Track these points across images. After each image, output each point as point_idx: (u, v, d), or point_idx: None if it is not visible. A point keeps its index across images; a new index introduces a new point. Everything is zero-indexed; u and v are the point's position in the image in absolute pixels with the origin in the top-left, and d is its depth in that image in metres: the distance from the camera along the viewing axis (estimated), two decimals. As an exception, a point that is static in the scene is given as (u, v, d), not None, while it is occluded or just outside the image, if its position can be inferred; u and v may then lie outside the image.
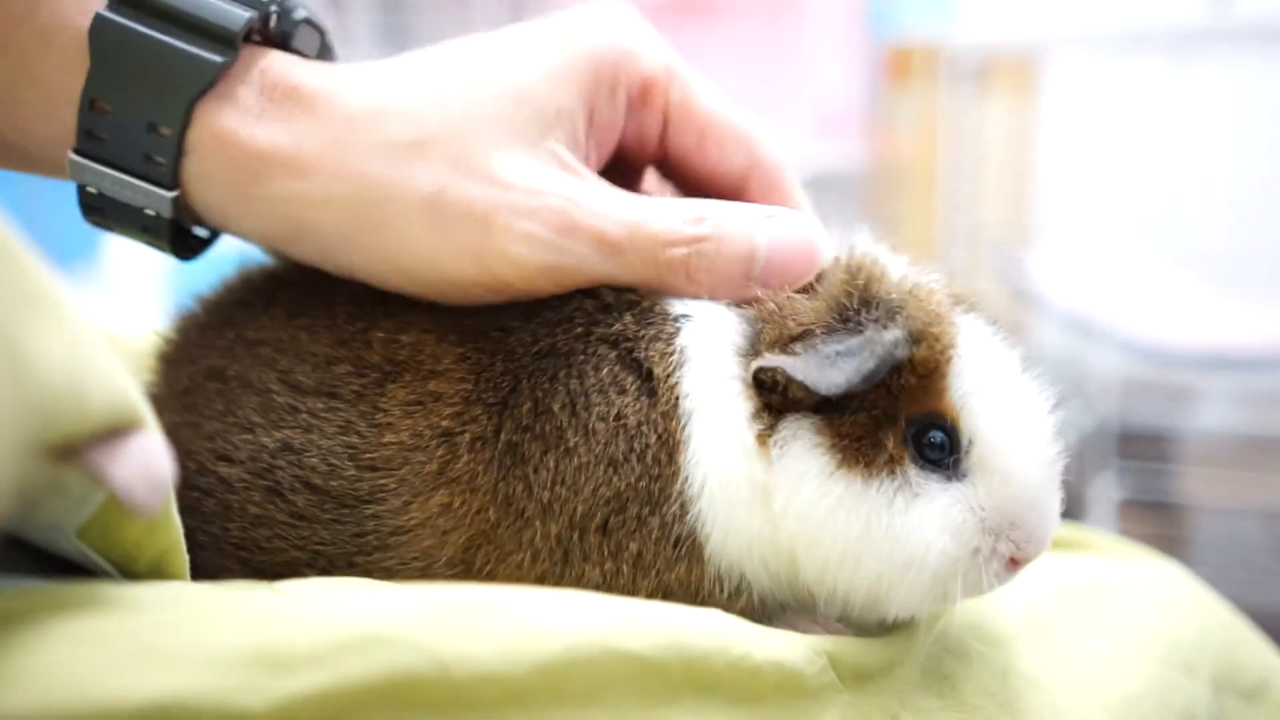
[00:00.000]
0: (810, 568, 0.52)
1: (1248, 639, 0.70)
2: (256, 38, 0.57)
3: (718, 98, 0.60)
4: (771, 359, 0.51)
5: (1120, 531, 1.90)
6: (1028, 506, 0.52)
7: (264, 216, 0.55)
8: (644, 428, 0.52)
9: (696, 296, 0.54)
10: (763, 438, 0.52)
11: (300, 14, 0.59)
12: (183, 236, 0.59)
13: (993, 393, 0.52)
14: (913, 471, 0.51)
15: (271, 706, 0.36)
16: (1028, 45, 2.35)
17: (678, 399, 0.52)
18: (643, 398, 0.52)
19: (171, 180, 0.55)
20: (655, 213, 0.54)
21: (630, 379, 0.53)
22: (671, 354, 0.53)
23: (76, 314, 0.37)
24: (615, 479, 0.52)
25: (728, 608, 0.51)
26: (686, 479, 0.52)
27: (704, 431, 0.52)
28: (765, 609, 0.54)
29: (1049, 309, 2.15)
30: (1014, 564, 0.52)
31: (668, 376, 0.52)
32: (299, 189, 0.54)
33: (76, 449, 0.37)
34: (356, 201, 0.53)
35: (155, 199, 0.55)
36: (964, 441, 0.52)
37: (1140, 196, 2.14)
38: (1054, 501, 0.53)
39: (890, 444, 0.51)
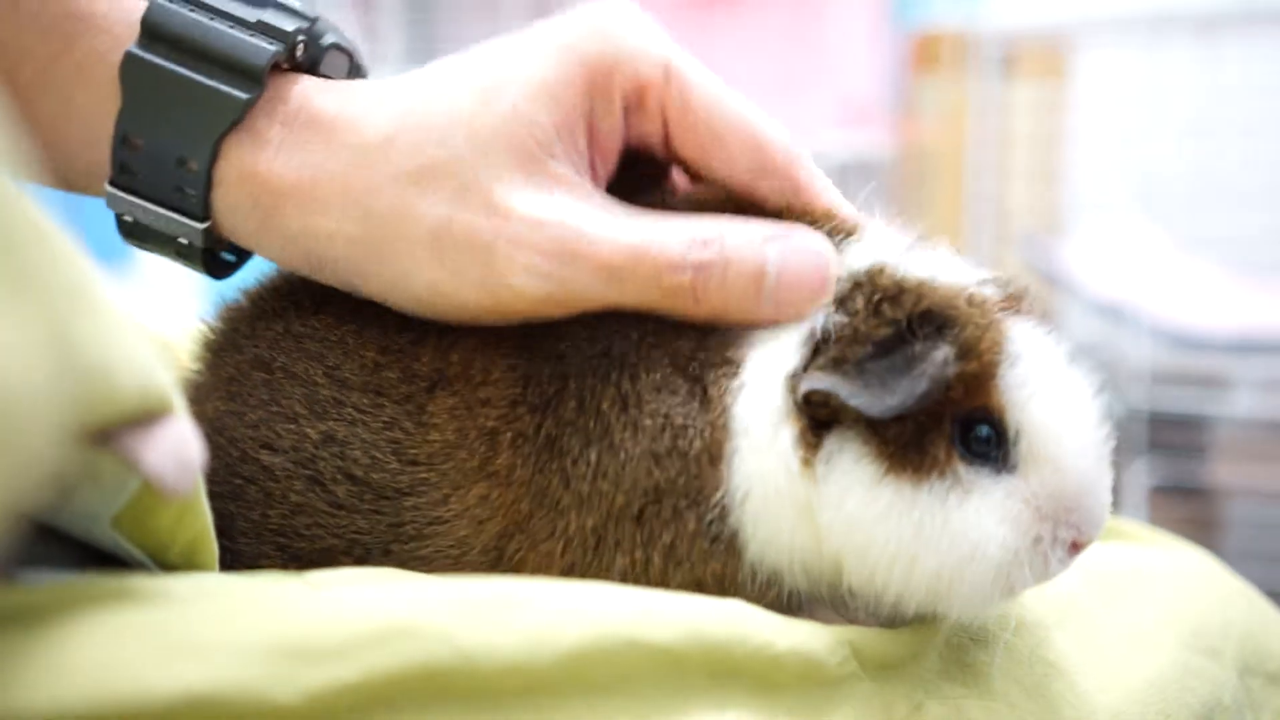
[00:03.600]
0: (858, 574, 0.52)
1: (1274, 623, 0.69)
2: (285, 66, 0.57)
3: (722, 96, 0.57)
4: (822, 380, 0.51)
5: (1151, 518, 1.89)
6: (1082, 491, 0.52)
7: (285, 250, 0.57)
8: (689, 430, 0.52)
9: (705, 320, 0.53)
10: (809, 459, 0.52)
11: (328, 39, 0.59)
12: (217, 258, 0.60)
13: (1038, 384, 0.52)
14: (961, 468, 0.51)
15: (302, 697, 0.36)
16: (1055, 30, 2.34)
17: (728, 414, 0.52)
18: (693, 402, 0.53)
19: (202, 212, 0.56)
20: (658, 236, 0.53)
21: (682, 383, 0.53)
22: (729, 373, 0.53)
23: (110, 300, 0.39)
24: (656, 471, 0.52)
25: (755, 599, 0.51)
26: (727, 489, 0.52)
27: (750, 450, 0.52)
28: (792, 601, 0.54)
29: (1078, 296, 2.14)
30: (1075, 547, 0.52)
31: (722, 393, 0.53)
32: (311, 224, 0.55)
33: (109, 434, 0.38)
34: (363, 236, 0.54)
35: (187, 230, 0.57)
36: (1011, 434, 0.52)
37: (1170, 181, 2.13)
38: (1106, 482, 0.53)
39: (938, 445, 0.51)
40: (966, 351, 0.51)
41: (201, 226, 0.56)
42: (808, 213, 0.56)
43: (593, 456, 0.53)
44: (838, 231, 0.55)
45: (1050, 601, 0.59)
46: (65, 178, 0.60)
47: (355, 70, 0.62)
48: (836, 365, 0.51)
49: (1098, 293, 2.11)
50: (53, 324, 0.34)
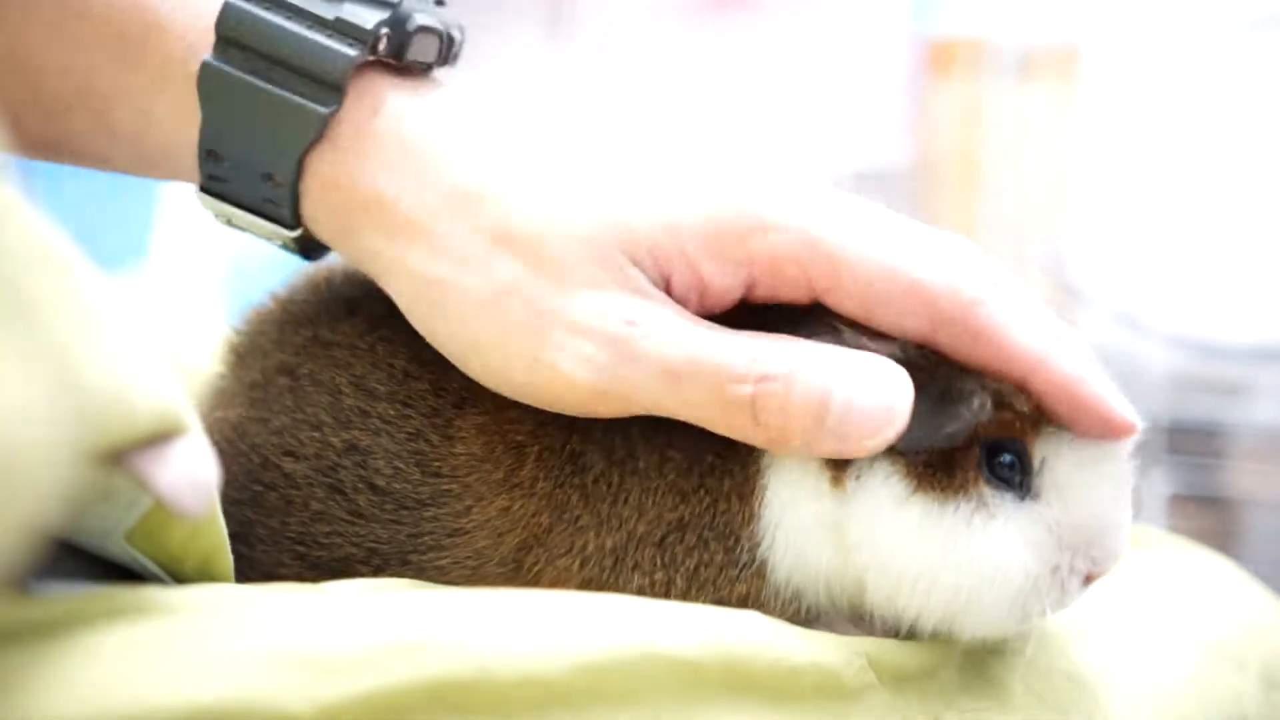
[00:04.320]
0: (879, 593, 0.52)
1: (1298, 634, 0.69)
2: (370, 58, 0.54)
3: (878, 254, 0.50)
4: None
5: (1171, 527, 1.88)
6: (1103, 524, 0.52)
7: (354, 261, 0.56)
8: (717, 468, 0.52)
9: (764, 445, 0.50)
10: (838, 477, 0.52)
11: (415, 23, 0.55)
12: (314, 248, 0.59)
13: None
14: (987, 492, 0.51)
15: (319, 710, 0.36)
16: (1070, 36, 2.33)
17: (758, 450, 0.52)
18: (720, 438, 0.52)
19: (293, 221, 0.55)
20: (724, 344, 0.49)
21: None
22: None
23: (123, 319, 0.38)
24: (681, 507, 0.52)
25: (776, 614, 0.51)
26: (758, 521, 0.52)
27: (780, 479, 0.52)
28: (810, 614, 0.54)
29: (1095, 304, 2.13)
30: (1089, 579, 0.52)
31: None
32: (379, 245, 0.53)
33: (123, 455, 0.38)
34: (423, 273, 0.52)
35: (280, 236, 0.56)
36: (1036, 462, 0.52)
37: (1187, 188, 2.12)
38: (1127, 516, 0.53)
39: (966, 468, 0.51)
40: (1001, 401, 0.51)
41: (293, 235, 0.56)
42: None
43: (615, 478, 0.52)
44: None
45: (1070, 613, 0.59)
46: (157, 178, 0.60)
47: (448, 49, 0.58)
48: None
49: (1114, 300, 2.10)
50: (55, 353, 0.33)
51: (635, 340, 0.49)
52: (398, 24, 0.55)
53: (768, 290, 0.52)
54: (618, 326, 0.50)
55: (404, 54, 0.56)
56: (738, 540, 0.52)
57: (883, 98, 2.60)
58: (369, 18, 0.54)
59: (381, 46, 0.55)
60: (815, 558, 0.52)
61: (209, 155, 0.55)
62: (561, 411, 0.52)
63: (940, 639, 0.52)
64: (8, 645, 0.35)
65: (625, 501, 0.52)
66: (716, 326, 0.51)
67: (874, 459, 0.51)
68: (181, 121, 0.55)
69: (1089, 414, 0.51)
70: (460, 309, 0.52)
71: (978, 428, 0.51)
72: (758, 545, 0.52)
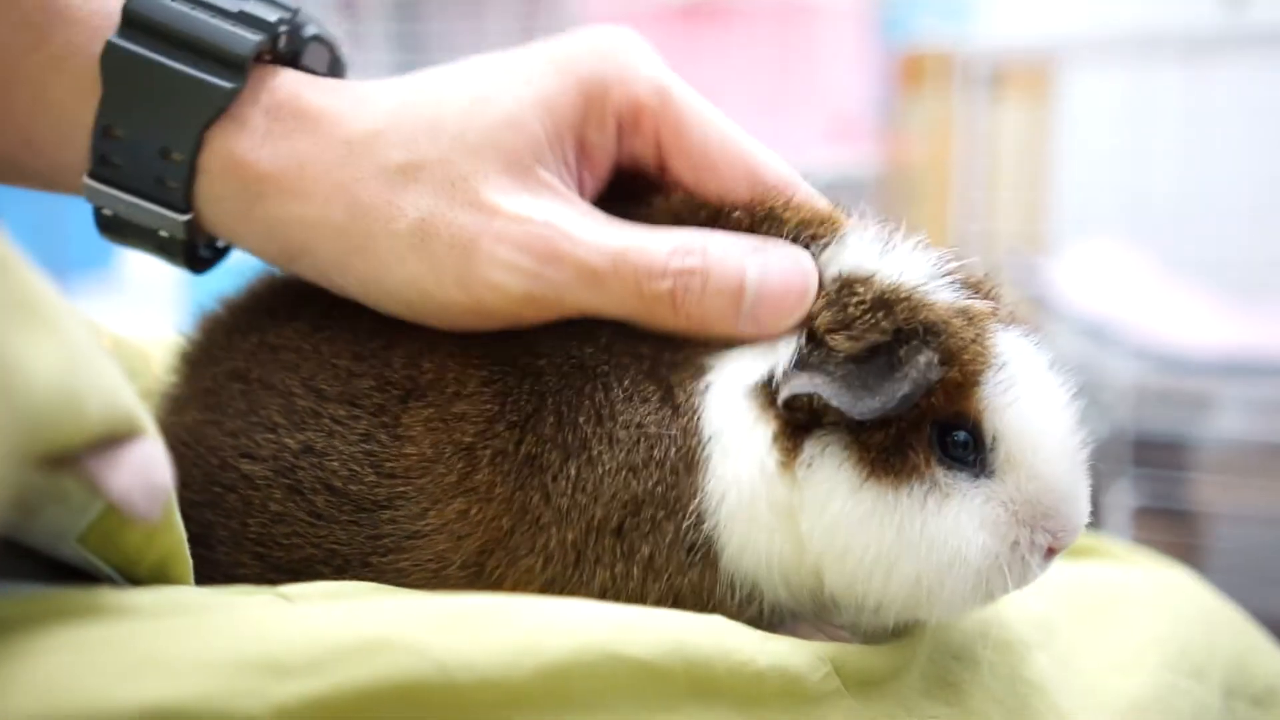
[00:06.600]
0: (838, 581, 0.52)
1: (1258, 645, 0.69)
2: (267, 57, 0.57)
3: (715, 120, 0.57)
4: (804, 383, 0.51)
5: (1135, 539, 1.89)
6: (1059, 496, 0.52)
7: (264, 236, 0.56)
8: (664, 438, 0.52)
9: (684, 331, 0.53)
10: (787, 461, 0.52)
11: (309, 31, 0.59)
12: (197, 251, 0.59)
13: (1015, 390, 0.52)
14: (940, 473, 0.51)
15: (273, 712, 0.36)
16: (1042, 50, 2.35)
17: (698, 419, 0.52)
18: (665, 408, 0.52)
19: (184, 204, 0.56)
20: (641, 242, 0.53)
21: (652, 389, 0.53)
22: (694, 375, 0.53)
23: (71, 322, 0.37)
24: (634, 483, 0.52)
25: (736, 615, 0.51)
26: (703, 496, 0.52)
27: (723, 454, 0.52)
28: (773, 617, 0.54)
29: (1064, 315, 2.14)
30: (1050, 552, 0.52)
31: (689, 397, 0.53)
32: (296, 211, 0.55)
33: (74, 458, 0.38)
34: (347, 226, 0.54)
35: (168, 222, 0.56)
36: (988, 439, 0.52)
37: (1156, 202, 2.13)
38: (1083, 488, 0.53)
39: (917, 450, 0.51)
40: (950, 358, 0.51)
41: (183, 219, 0.56)
42: (797, 210, 0.56)
43: (572, 471, 0.52)
44: (824, 234, 0.55)
45: (1033, 621, 0.59)
46: (42, 173, 0.59)
47: (336, 63, 0.62)
48: (819, 368, 0.51)
49: (1083, 312, 2.11)
50: None
51: (556, 241, 0.53)
52: (295, 28, 0.59)
53: (629, 148, 0.58)
54: (540, 229, 0.53)
55: (298, 60, 0.59)
56: (686, 514, 0.52)
57: (855, 108, 2.61)
58: (270, 14, 0.57)
59: (281, 43, 0.58)
60: (765, 541, 0.52)
61: (105, 134, 0.55)
62: (494, 326, 0.55)
63: (904, 643, 0.52)
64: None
65: (583, 490, 0.52)
66: (630, 223, 0.55)
67: (825, 445, 0.51)
68: (77, 102, 0.55)
69: None
70: (388, 248, 0.54)
71: (930, 406, 0.51)
72: (704, 520, 0.52)
